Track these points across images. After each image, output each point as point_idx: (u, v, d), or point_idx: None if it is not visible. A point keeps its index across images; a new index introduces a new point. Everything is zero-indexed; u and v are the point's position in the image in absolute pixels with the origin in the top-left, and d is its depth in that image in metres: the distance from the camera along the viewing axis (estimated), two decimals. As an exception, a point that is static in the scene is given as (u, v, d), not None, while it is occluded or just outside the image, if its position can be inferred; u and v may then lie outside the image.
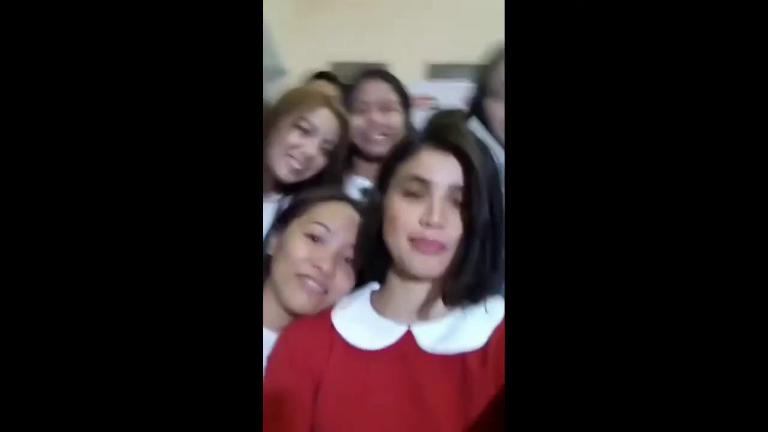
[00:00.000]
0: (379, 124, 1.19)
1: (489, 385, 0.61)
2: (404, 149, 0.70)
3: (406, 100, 1.24)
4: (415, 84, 1.43)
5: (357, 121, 1.18)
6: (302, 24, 3.07)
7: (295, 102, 1.06)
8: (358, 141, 1.20)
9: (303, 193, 0.91)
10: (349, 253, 0.77)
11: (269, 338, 0.73)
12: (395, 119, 1.21)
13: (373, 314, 0.71)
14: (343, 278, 0.77)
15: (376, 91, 1.20)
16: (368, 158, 1.21)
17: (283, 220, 0.84)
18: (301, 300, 0.75)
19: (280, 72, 2.92)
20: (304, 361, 0.68)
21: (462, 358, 0.63)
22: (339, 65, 2.92)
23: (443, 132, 0.68)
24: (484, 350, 0.63)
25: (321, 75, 1.45)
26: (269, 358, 0.71)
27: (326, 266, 0.75)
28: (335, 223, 0.78)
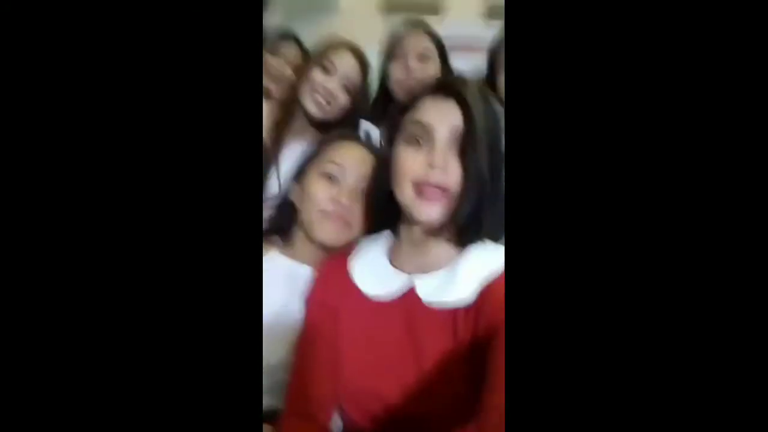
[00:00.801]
0: (415, 70, 1.24)
1: (477, 341, 0.64)
2: (412, 102, 0.71)
3: (443, 51, 1.30)
4: (474, 25, 1.38)
5: (395, 69, 1.27)
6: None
7: (322, 47, 1.21)
8: (395, 88, 1.27)
9: (318, 138, 0.98)
10: (364, 185, 0.83)
11: (306, 272, 0.84)
12: (431, 68, 1.25)
13: (385, 262, 0.75)
14: (362, 209, 0.83)
15: (414, 41, 1.27)
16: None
17: (302, 166, 0.91)
18: (327, 234, 0.84)
19: (330, 7, 2.83)
20: (328, 304, 0.76)
21: (453, 313, 0.67)
22: (393, 5, 2.78)
23: (447, 81, 0.71)
24: (472, 308, 0.66)
25: (285, 36, 1.45)
26: (306, 298, 0.80)
27: (344, 200, 0.82)
28: (348, 160, 0.84)
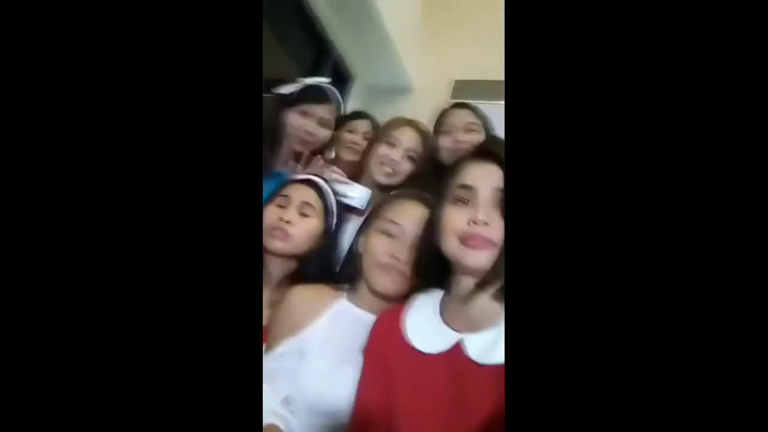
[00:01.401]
0: (463, 141, 1.39)
1: None
2: (455, 167, 0.79)
3: (486, 123, 1.45)
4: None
5: (443, 142, 1.41)
6: (429, 43, 3.18)
7: (387, 125, 1.42)
8: (444, 156, 1.40)
9: (381, 198, 1.09)
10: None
11: (367, 318, 0.90)
12: (477, 138, 1.39)
13: (436, 318, 0.79)
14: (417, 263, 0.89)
15: (459, 116, 1.45)
16: None
17: (366, 221, 1.02)
18: (384, 285, 0.91)
19: (405, 89, 3.07)
20: (383, 356, 0.80)
21: (500, 371, 0.67)
22: (462, 83, 2.97)
23: (488, 146, 0.79)
24: None
25: (359, 115, 1.66)
26: (364, 348, 0.86)
27: (402, 256, 0.90)
28: (407, 218, 0.92)
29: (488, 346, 0.71)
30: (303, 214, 1.09)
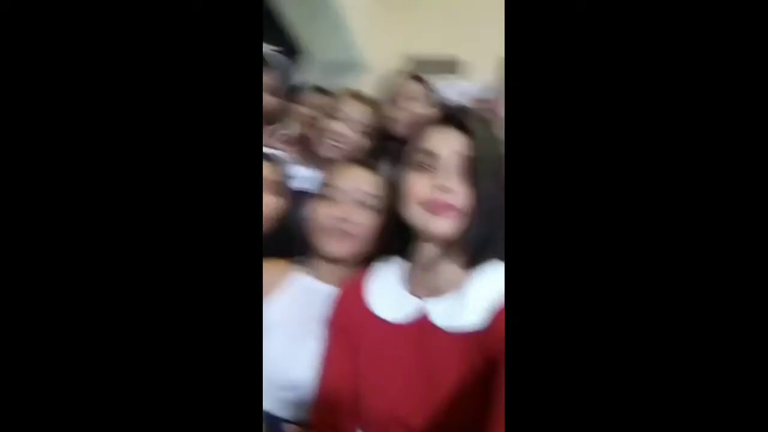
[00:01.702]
0: (417, 114, 1.36)
1: (490, 365, 0.65)
2: (416, 133, 0.77)
3: (439, 95, 1.45)
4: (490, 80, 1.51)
5: (396, 114, 1.40)
6: (382, 19, 3.14)
7: (334, 99, 1.40)
8: (399, 130, 1.38)
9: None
10: (371, 203, 0.91)
11: (326, 289, 0.90)
12: (430, 110, 1.34)
13: (398, 286, 0.79)
14: (366, 220, 0.91)
15: (412, 88, 1.44)
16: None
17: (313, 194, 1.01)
18: (331, 248, 0.91)
19: (358, 65, 3.02)
20: (346, 327, 0.80)
21: (466, 337, 0.69)
22: (416, 61, 2.96)
23: (449, 111, 0.76)
24: (485, 332, 0.69)
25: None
26: (327, 320, 0.84)
27: (348, 217, 0.90)
28: (346, 181, 0.94)
29: (453, 311, 0.71)
30: None
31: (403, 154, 0.77)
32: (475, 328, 0.69)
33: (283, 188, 1.10)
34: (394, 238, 0.81)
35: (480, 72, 2.67)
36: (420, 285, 0.76)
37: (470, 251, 0.72)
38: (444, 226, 0.70)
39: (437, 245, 0.73)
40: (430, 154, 0.72)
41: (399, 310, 0.76)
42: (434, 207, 0.70)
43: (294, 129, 1.50)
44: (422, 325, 0.73)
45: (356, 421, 0.75)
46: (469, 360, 0.68)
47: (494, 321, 0.68)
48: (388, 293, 0.79)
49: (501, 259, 0.74)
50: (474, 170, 0.70)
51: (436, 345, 0.71)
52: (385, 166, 0.96)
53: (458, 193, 0.70)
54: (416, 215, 0.72)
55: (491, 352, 0.66)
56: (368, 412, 0.73)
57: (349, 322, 0.80)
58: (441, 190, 0.69)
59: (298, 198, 1.17)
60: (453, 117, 0.74)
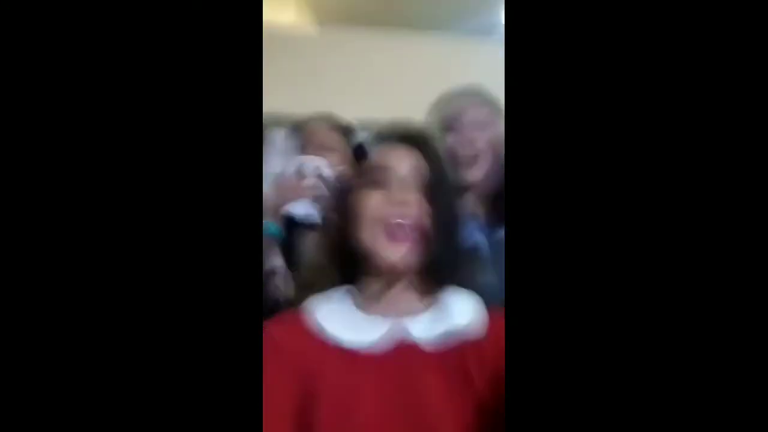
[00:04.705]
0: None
1: (483, 374, 0.60)
2: (362, 153, 0.74)
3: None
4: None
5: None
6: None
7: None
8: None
9: None
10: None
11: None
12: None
13: (355, 312, 0.67)
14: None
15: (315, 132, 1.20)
16: None
17: None
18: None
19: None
20: (294, 362, 0.62)
21: (456, 349, 0.63)
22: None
23: (398, 129, 0.73)
24: (477, 343, 0.63)
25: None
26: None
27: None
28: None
29: (431, 324, 0.64)
30: None
31: (354, 173, 0.73)
32: (466, 335, 0.63)
33: None
34: (343, 266, 0.72)
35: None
36: (382, 307, 0.67)
37: (432, 274, 0.67)
38: (402, 252, 0.64)
39: (393, 274, 0.66)
40: (385, 169, 0.68)
41: (367, 333, 0.64)
42: (393, 232, 0.64)
43: None
44: (401, 345, 0.63)
45: None
46: (466, 376, 0.60)
47: (492, 327, 0.63)
48: (347, 318, 0.66)
49: (461, 287, 0.69)
50: (431, 185, 0.67)
51: (421, 366, 0.61)
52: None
53: (416, 209, 0.65)
54: (373, 238, 0.65)
55: (492, 363, 0.59)
56: None
57: (298, 360, 0.62)
58: (398, 205, 0.65)
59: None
60: (405, 132, 0.71)
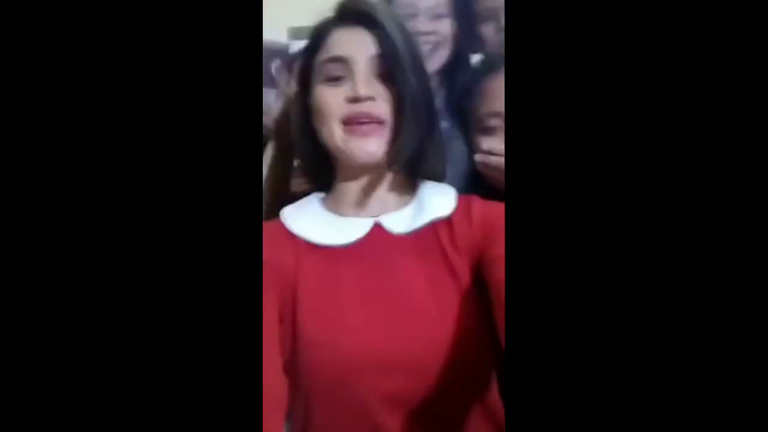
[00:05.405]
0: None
1: (463, 258, 0.60)
2: (315, 42, 0.64)
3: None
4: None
5: None
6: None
7: None
8: None
9: None
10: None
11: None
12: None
13: (331, 215, 0.65)
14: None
15: None
16: None
17: None
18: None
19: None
20: (275, 271, 0.60)
21: (434, 229, 0.62)
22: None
23: (351, 9, 0.64)
24: (448, 221, 0.62)
25: None
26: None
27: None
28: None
29: (410, 218, 0.63)
30: None
31: (306, 74, 0.65)
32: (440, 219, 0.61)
33: None
34: (312, 169, 0.69)
35: None
36: (358, 210, 0.64)
37: (405, 168, 0.63)
38: (370, 146, 0.60)
39: (365, 174, 0.63)
40: (340, 60, 0.61)
41: (342, 233, 0.62)
42: (357, 126, 0.60)
43: None
44: (376, 235, 0.62)
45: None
46: (443, 253, 0.60)
47: (461, 207, 0.62)
48: (324, 221, 0.64)
49: (434, 178, 0.67)
50: (395, 72, 0.60)
51: (396, 252, 0.61)
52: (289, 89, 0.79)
53: (380, 103, 0.60)
54: (337, 137, 0.61)
55: (469, 241, 0.59)
56: (330, 362, 0.57)
57: (278, 263, 0.61)
58: (361, 101, 0.59)
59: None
60: (359, 13, 0.62)
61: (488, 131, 0.73)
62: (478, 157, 0.73)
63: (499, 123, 0.71)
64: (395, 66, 0.60)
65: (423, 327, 0.57)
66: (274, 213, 0.67)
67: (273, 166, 0.79)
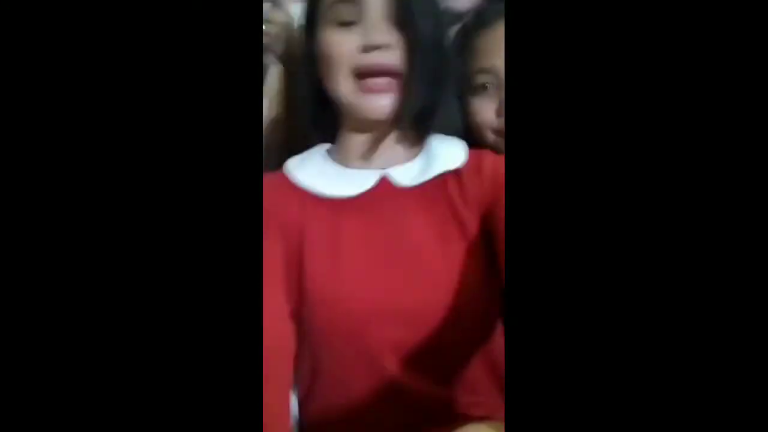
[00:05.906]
0: None
1: (472, 210, 0.59)
2: None
3: None
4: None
5: None
6: None
7: None
8: None
9: None
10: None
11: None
12: None
13: (337, 167, 0.64)
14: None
15: None
16: None
17: None
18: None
19: None
20: (279, 221, 0.60)
21: (443, 180, 0.60)
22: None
23: None
24: (457, 172, 0.61)
25: None
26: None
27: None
28: None
29: (419, 171, 0.61)
30: None
31: (312, 13, 0.61)
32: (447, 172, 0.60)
33: None
34: (317, 118, 0.66)
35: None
36: (365, 162, 0.63)
37: (415, 122, 0.60)
38: (382, 103, 0.58)
39: (373, 129, 0.61)
40: (352, 1, 0.57)
41: (350, 185, 0.61)
42: (371, 80, 0.57)
43: None
44: (383, 188, 0.60)
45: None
46: (451, 204, 0.59)
47: (472, 160, 0.61)
48: (330, 173, 0.63)
49: (447, 132, 0.65)
50: (410, 16, 0.56)
51: (403, 204, 0.60)
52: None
53: (394, 52, 0.57)
54: (347, 91, 0.58)
55: (479, 193, 0.58)
56: (336, 312, 0.57)
57: (283, 214, 0.60)
58: (373, 50, 0.56)
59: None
60: None
61: (477, 89, 0.70)
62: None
63: (488, 79, 0.69)
64: (410, 10, 0.56)
65: (429, 278, 0.57)
66: (278, 164, 0.66)
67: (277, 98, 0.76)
